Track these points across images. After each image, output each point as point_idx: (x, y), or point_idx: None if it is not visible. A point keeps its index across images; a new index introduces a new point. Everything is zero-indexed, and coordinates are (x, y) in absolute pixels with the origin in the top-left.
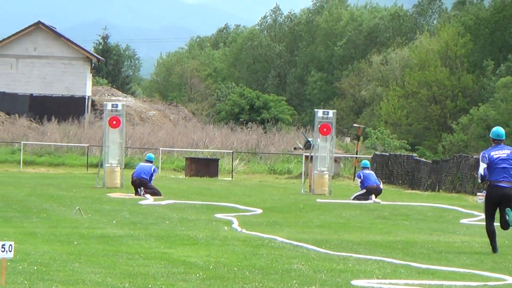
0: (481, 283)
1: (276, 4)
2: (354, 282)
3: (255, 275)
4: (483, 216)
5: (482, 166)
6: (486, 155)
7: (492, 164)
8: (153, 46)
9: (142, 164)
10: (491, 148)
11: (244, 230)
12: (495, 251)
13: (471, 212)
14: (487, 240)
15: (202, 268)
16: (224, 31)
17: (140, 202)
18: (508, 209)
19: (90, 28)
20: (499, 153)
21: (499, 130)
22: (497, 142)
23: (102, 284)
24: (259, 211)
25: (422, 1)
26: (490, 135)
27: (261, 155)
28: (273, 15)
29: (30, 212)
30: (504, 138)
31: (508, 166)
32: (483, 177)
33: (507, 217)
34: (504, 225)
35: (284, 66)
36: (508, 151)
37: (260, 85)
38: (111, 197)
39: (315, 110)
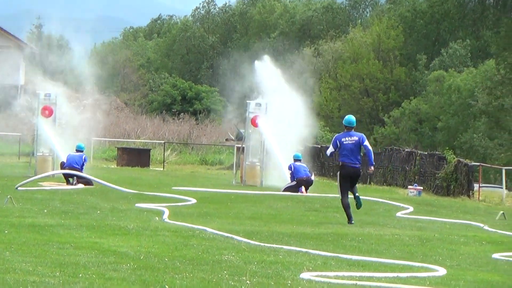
0: (411, 274)
1: None
2: (303, 275)
3: (186, 265)
4: (411, 209)
5: (330, 150)
6: (337, 141)
7: (343, 148)
8: (87, 36)
9: (72, 154)
10: (342, 134)
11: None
12: (350, 220)
13: (401, 205)
14: (418, 233)
15: (133, 258)
16: (158, 21)
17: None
18: (357, 195)
19: (23, 17)
20: (348, 139)
21: (350, 118)
22: (348, 129)
23: (33, 273)
24: (194, 200)
25: None
26: (343, 122)
27: (193, 145)
28: (207, 6)
29: None
30: (354, 125)
31: (354, 149)
32: (328, 156)
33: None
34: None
35: (217, 57)
36: (356, 138)
37: (193, 76)
38: (43, 185)
39: (248, 102)
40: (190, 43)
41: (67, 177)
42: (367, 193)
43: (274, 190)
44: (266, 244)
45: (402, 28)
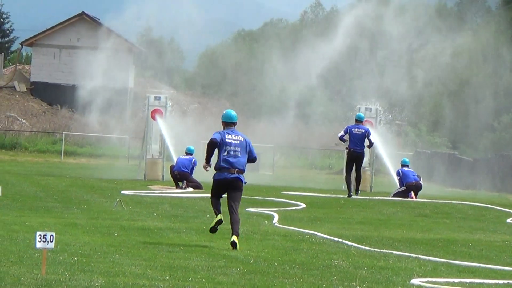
0: None
1: None
2: (413, 281)
3: (295, 270)
4: None
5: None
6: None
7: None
8: (198, 39)
9: (182, 157)
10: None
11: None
12: (350, 194)
13: None
14: None
15: (243, 262)
16: (269, 25)
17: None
18: None
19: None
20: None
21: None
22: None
23: (142, 276)
24: (303, 205)
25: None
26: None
27: (302, 149)
28: (315, 10)
29: (71, 203)
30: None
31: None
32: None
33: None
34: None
35: None
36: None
37: None
38: (152, 189)
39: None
40: (298, 47)
41: (176, 180)
42: (476, 199)
43: (384, 195)
44: (376, 249)
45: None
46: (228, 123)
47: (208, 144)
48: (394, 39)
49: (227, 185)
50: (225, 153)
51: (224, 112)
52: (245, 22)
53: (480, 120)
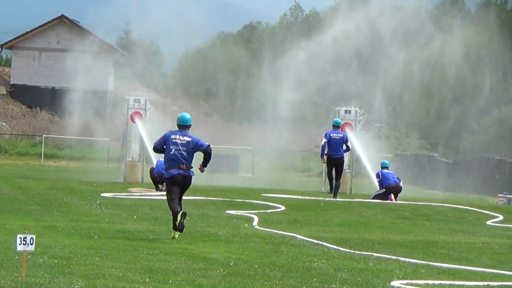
0: (502, 283)
1: (296, 1)
2: (393, 283)
3: (276, 272)
4: (501, 217)
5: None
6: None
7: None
8: (177, 41)
9: (162, 159)
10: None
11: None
12: (332, 191)
13: (491, 213)
14: (508, 241)
15: (223, 264)
16: (249, 28)
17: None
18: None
19: (113, 22)
20: (335, 135)
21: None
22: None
23: (122, 278)
24: (283, 207)
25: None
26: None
27: (282, 152)
28: (294, 13)
29: (51, 205)
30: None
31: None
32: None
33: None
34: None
35: None
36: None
37: None
38: (132, 191)
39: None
40: (278, 50)
41: (156, 183)
42: (456, 201)
43: (364, 197)
44: (356, 252)
45: (489, 35)
46: (181, 126)
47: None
48: (375, 41)
49: (179, 180)
50: (172, 152)
51: (179, 115)
52: (225, 24)
53: (460, 123)
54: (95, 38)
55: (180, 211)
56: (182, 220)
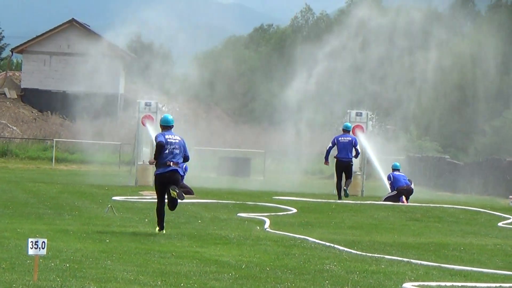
0: None
1: (306, 4)
2: (405, 285)
3: (287, 275)
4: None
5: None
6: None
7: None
8: (188, 45)
9: None
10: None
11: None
12: (340, 198)
13: (503, 215)
14: None
15: (235, 267)
16: (260, 30)
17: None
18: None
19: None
20: (344, 139)
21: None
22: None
23: (134, 282)
24: (294, 210)
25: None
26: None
27: (293, 154)
28: (305, 15)
29: (62, 209)
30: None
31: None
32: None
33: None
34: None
35: None
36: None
37: None
38: (143, 195)
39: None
40: (289, 52)
41: None
42: (468, 203)
43: (375, 199)
44: (367, 254)
45: (500, 37)
46: (165, 127)
47: (157, 145)
48: (386, 43)
49: (168, 177)
50: (167, 151)
51: (162, 116)
52: (235, 27)
53: (471, 124)
54: (106, 42)
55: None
56: (176, 192)
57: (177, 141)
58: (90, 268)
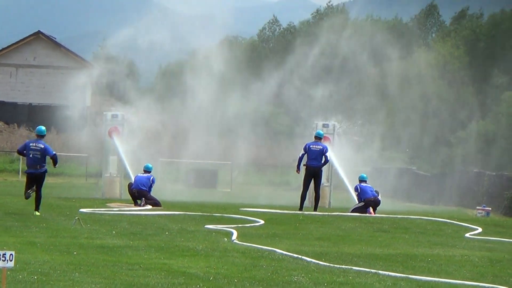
0: None
1: (274, 16)
2: None
3: (255, 286)
4: (480, 230)
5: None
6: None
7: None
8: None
9: (140, 174)
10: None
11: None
12: (301, 209)
13: (470, 226)
14: (487, 254)
15: (202, 279)
16: (225, 42)
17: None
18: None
19: (89, 38)
20: (315, 147)
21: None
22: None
23: None
24: (261, 222)
25: (419, 13)
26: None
27: (260, 166)
28: (272, 27)
29: (30, 221)
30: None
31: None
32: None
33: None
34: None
35: None
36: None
37: None
38: (110, 207)
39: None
40: (255, 64)
41: (134, 198)
42: (435, 214)
43: (342, 211)
44: (335, 265)
45: (464, 49)
46: (39, 136)
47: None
48: (351, 55)
49: (33, 178)
50: (31, 155)
51: (37, 128)
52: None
53: (437, 136)
54: (72, 54)
55: (30, 195)
56: (29, 192)
57: (38, 148)
58: (58, 281)
